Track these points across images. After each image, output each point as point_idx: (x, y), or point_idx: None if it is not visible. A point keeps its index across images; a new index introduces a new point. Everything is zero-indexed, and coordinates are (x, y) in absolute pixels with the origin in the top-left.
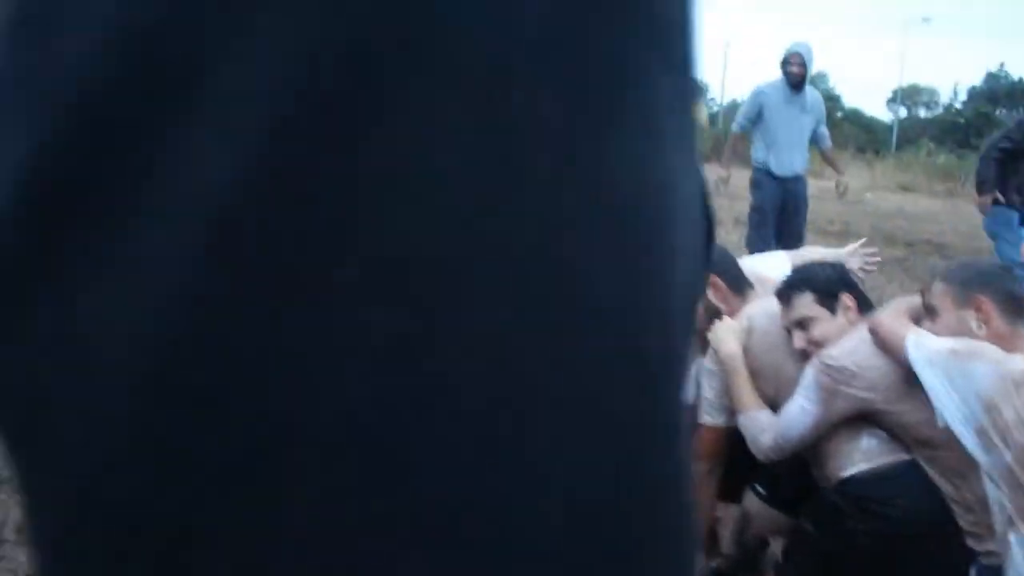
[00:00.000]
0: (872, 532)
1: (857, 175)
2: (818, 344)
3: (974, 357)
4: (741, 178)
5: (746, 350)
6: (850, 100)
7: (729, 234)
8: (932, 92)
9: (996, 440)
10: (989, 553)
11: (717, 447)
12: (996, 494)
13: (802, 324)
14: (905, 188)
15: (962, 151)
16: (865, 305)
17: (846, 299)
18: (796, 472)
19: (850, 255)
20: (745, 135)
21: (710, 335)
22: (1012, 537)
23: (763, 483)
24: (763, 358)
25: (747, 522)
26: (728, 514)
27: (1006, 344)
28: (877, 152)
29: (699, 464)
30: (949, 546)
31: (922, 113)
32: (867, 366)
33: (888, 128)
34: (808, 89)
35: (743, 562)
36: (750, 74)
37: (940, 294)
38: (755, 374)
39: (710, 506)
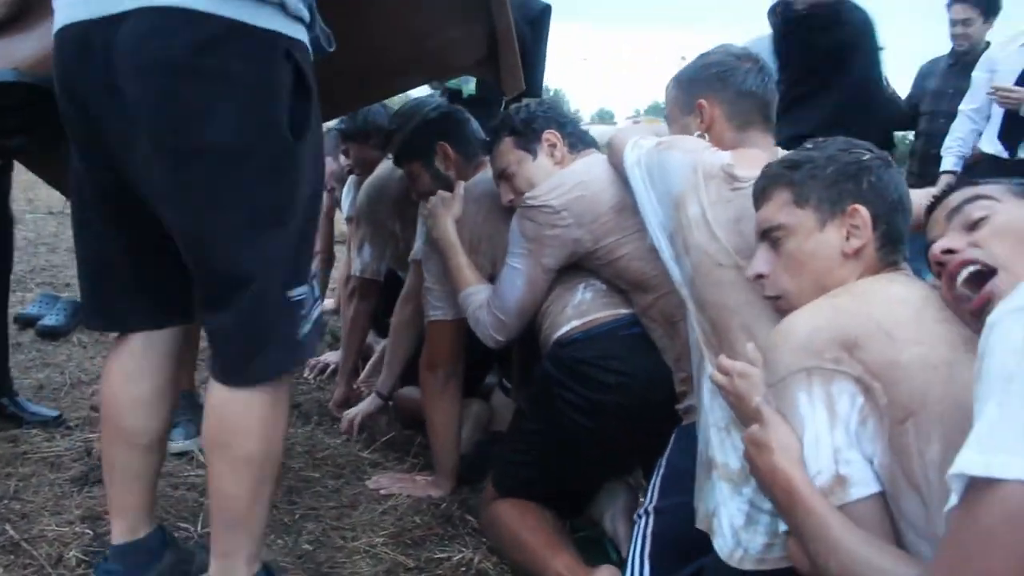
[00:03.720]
0: (585, 405)
1: None
2: (523, 195)
3: (673, 147)
4: None
5: (460, 223)
6: None
7: None
8: None
9: (680, 243)
10: (689, 410)
11: (452, 347)
12: (690, 319)
13: (505, 175)
14: None
15: None
16: (581, 142)
17: (549, 136)
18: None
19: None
20: None
21: (422, 213)
22: (709, 367)
23: (509, 376)
24: (478, 228)
25: (488, 419)
26: (468, 411)
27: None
28: None
29: (434, 373)
30: (664, 416)
31: None
32: (571, 199)
33: None
34: None
35: (478, 462)
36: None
37: (671, 101)
38: (473, 249)
39: (454, 419)
